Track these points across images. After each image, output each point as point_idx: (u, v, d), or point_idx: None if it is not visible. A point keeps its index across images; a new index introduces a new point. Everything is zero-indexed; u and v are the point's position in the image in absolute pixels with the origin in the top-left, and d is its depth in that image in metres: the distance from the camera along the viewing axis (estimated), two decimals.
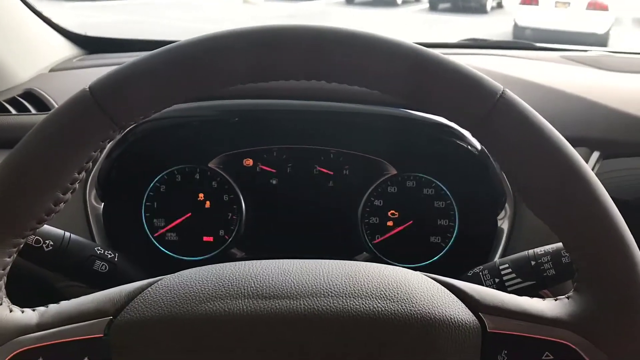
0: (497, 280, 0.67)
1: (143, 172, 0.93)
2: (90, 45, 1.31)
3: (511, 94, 0.46)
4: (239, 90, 0.86)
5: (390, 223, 0.97)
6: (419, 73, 0.45)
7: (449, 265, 0.93)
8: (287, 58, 0.45)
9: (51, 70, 1.13)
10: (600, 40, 8.43)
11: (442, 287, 0.48)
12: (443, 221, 0.96)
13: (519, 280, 0.66)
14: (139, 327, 0.44)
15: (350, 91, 0.85)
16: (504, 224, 0.85)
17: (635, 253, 0.45)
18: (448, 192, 0.96)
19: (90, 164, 0.46)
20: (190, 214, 0.95)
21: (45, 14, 1.21)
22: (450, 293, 0.47)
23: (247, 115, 0.88)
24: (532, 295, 0.50)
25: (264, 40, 0.45)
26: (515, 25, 9.33)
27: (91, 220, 0.84)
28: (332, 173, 0.97)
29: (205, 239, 0.96)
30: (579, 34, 8.37)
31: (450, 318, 0.45)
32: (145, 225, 0.95)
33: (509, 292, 0.57)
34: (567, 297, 0.48)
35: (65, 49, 1.25)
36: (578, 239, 0.46)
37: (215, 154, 0.95)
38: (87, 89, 0.45)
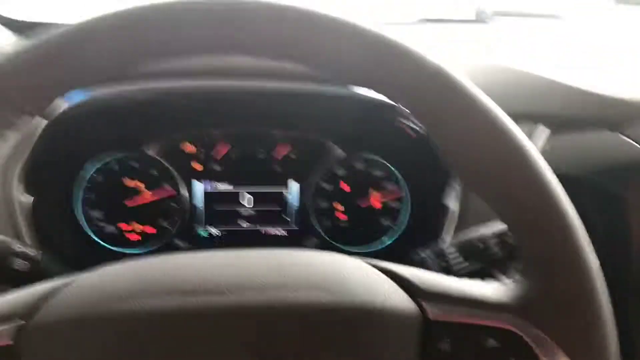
0: (443, 264, 0.64)
1: (76, 162, 0.88)
2: (25, 30, 1.23)
3: (444, 66, 0.43)
4: (173, 70, 0.82)
5: (339, 207, 0.94)
6: (343, 45, 0.42)
7: (402, 249, 0.91)
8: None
9: None
10: None
11: (380, 274, 0.45)
12: (394, 203, 0.94)
13: (466, 264, 0.63)
14: (53, 331, 0.40)
15: (289, 69, 0.82)
16: (454, 204, 0.82)
17: (579, 234, 0.43)
18: (398, 173, 0.93)
19: None
20: (129, 204, 0.90)
21: None
22: (389, 279, 0.45)
23: (184, 97, 0.83)
24: (481, 279, 0.48)
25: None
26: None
27: (19, 217, 0.78)
28: (278, 158, 0.93)
29: (147, 230, 0.91)
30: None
31: (388, 306, 0.42)
32: (83, 218, 0.89)
33: (457, 276, 0.55)
34: (512, 280, 0.46)
35: None
36: (519, 219, 0.43)
37: (151, 140, 0.90)
38: None
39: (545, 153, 0.80)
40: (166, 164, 0.91)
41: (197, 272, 0.43)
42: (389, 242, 0.93)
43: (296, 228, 0.94)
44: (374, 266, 0.46)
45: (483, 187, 0.44)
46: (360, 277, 0.44)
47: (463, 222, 0.81)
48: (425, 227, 0.89)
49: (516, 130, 0.43)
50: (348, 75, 0.44)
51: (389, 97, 0.45)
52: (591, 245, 0.45)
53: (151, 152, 0.90)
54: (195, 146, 0.92)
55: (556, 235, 0.43)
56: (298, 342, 0.41)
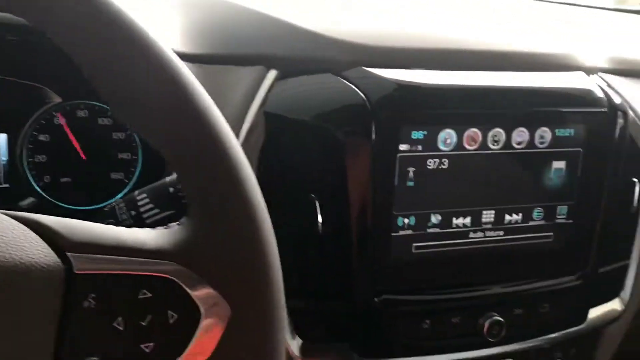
0: (134, 213, 0.59)
1: None
2: None
3: None
4: None
5: (60, 159, 0.83)
6: None
7: None
8: None
9: None
10: None
11: (18, 225, 0.38)
12: (125, 155, 0.86)
13: (157, 210, 0.59)
14: None
15: None
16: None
17: (244, 176, 0.41)
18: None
19: None
20: None
21: None
22: (30, 231, 0.38)
23: None
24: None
25: None
26: None
27: None
28: None
29: None
30: None
31: (21, 262, 0.36)
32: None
33: (149, 226, 0.49)
34: (178, 224, 0.42)
35: None
36: (179, 155, 0.40)
37: None
38: None
39: (274, 97, 0.76)
40: None
41: None
42: (119, 197, 0.85)
43: (7, 186, 0.82)
44: (15, 217, 0.39)
45: (138, 118, 0.40)
46: None
47: None
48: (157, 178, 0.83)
49: (176, 62, 0.39)
50: None
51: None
52: (258, 189, 0.43)
53: None
54: None
55: (218, 175, 0.40)
56: None
